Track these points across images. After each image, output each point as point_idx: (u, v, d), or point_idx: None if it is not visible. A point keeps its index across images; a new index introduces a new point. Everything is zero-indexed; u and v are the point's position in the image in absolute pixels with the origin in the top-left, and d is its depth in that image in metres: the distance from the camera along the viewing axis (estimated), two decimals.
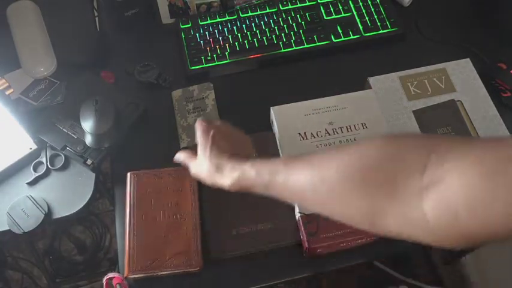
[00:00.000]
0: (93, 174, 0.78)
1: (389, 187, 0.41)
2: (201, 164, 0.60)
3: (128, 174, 0.74)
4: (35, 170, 0.78)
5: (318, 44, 0.89)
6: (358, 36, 0.90)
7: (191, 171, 0.63)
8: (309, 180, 0.47)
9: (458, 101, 0.80)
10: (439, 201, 0.38)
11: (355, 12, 0.92)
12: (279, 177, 0.51)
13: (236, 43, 0.89)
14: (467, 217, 0.37)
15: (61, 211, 0.75)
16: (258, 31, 0.90)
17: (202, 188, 0.74)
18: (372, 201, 0.42)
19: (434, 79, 0.82)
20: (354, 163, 0.44)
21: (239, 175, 0.55)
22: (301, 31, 0.90)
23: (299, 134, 0.75)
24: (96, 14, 0.95)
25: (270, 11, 0.93)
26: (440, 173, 0.38)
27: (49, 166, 0.78)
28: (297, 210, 0.70)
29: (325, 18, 0.92)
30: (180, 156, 0.65)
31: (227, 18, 0.92)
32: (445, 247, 0.41)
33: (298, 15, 0.92)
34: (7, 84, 0.84)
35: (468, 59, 0.84)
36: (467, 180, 0.37)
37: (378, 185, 0.42)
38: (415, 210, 0.40)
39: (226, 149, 0.59)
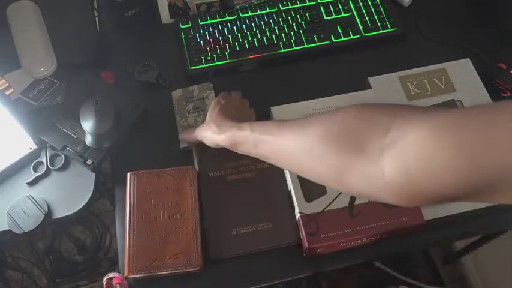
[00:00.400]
0: (93, 174, 0.78)
1: (357, 147, 0.45)
2: (207, 127, 0.68)
3: (128, 174, 0.74)
4: (35, 170, 0.78)
5: (318, 44, 0.89)
6: (358, 36, 0.90)
7: (197, 135, 0.71)
8: (294, 143, 0.53)
9: (458, 101, 0.80)
10: (394, 157, 0.41)
11: (355, 12, 0.92)
12: (268, 137, 0.57)
13: (236, 43, 0.89)
14: (418, 173, 0.39)
15: (61, 211, 0.75)
16: (258, 31, 0.90)
17: (202, 188, 0.74)
18: (341, 159, 0.47)
19: (434, 79, 0.82)
20: (331, 128, 0.49)
21: (235, 131, 0.62)
22: (301, 31, 0.90)
23: None
24: (96, 14, 0.95)
25: (270, 11, 0.93)
26: (401, 133, 0.41)
27: (49, 166, 0.78)
28: (297, 210, 0.70)
29: (325, 18, 0.92)
30: (184, 133, 0.76)
31: (227, 18, 0.92)
32: (404, 205, 0.43)
33: (298, 15, 0.92)
34: (7, 84, 0.84)
35: (468, 59, 0.84)
36: (421, 139, 0.39)
37: (348, 145, 0.46)
38: (376, 167, 0.42)
39: (232, 115, 0.67)
